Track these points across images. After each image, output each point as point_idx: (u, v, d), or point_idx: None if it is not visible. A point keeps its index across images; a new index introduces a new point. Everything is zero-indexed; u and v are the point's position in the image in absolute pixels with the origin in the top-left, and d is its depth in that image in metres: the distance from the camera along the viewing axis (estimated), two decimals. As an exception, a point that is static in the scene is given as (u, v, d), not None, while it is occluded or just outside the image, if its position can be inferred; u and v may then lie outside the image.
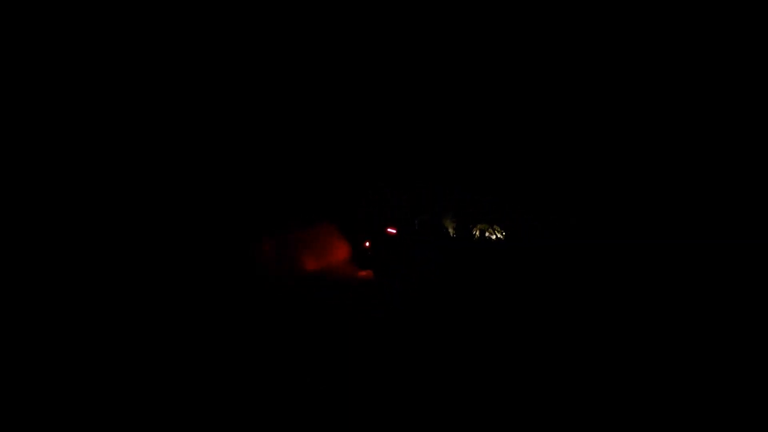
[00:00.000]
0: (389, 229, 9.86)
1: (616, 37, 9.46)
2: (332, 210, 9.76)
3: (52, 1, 8.39)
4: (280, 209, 9.53)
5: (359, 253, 9.56)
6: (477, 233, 9.68)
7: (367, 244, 9.65)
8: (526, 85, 9.75)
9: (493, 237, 9.46)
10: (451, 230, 9.56)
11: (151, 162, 9.13)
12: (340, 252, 9.45)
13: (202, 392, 5.29)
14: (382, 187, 10.08)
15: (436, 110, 10.02)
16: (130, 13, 8.77)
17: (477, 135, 10.02)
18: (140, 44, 8.95)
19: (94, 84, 8.85)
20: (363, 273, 9.16)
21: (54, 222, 8.31)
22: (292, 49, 9.65)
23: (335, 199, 9.93)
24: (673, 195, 9.49)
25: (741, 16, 8.73)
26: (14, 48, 8.38)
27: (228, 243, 8.89)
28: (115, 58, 8.88)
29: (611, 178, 9.77)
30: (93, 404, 5.12)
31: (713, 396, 5.21)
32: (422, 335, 6.67)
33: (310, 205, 9.72)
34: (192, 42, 9.24)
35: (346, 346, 6.38)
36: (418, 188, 10.04)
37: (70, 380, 5.48)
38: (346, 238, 9.55)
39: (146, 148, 9.13)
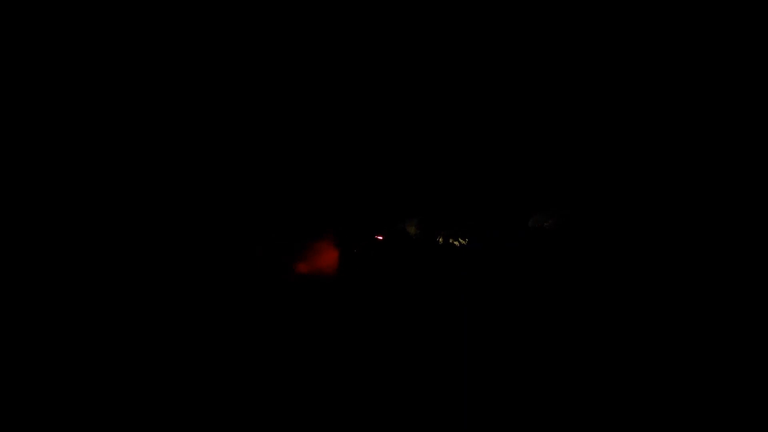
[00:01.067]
0: (377, 237, 9.83)
1: (603, 37, 9.55)
2: (327, 213, 9.76)
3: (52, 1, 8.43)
4: (274, 212, 9.54)
5: (353, 258, 9.50)
6: (441, 240, 9.68)
7: (355, 250, 9.58)
8: (515, 88, 9.78)
9: (456, 244, 9.45)
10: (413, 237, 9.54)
11: (145, 164, 9.14)
12: (333, 255, 9.41)
13: (201, 393, 5.28)
14: (382, 189, 10.11)
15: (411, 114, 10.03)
16: (130, 13, 8.82)
17: (460, 136, 10.05)
18: (139, 43, 9.00)
19: (93, 83, 8.88)
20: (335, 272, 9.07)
21: (50, 222, 8.30)
22: (288, 51, 9.70)
23: (330, 201, 9.93)
24: (658, 195, 9.52)
25: (741, 17, 8.82)
26: (14, 48, 8.42)
27: (221, 247, 8.89)
28: (114, 57, 8.92)
29: (597, 178, 9.80)
30: (92, 404, 5.10)
31: (713, 396, 5.21)
32: (422, 335, 6.66)
33: (305, 208, 9.72)
34: (189, 41, 9.29)
35: (346, 346, 6.37)
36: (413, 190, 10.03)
37: (67, 380, 5.46)
38: (340, 242, 9.50)
39: (139, 150, 9.14)
